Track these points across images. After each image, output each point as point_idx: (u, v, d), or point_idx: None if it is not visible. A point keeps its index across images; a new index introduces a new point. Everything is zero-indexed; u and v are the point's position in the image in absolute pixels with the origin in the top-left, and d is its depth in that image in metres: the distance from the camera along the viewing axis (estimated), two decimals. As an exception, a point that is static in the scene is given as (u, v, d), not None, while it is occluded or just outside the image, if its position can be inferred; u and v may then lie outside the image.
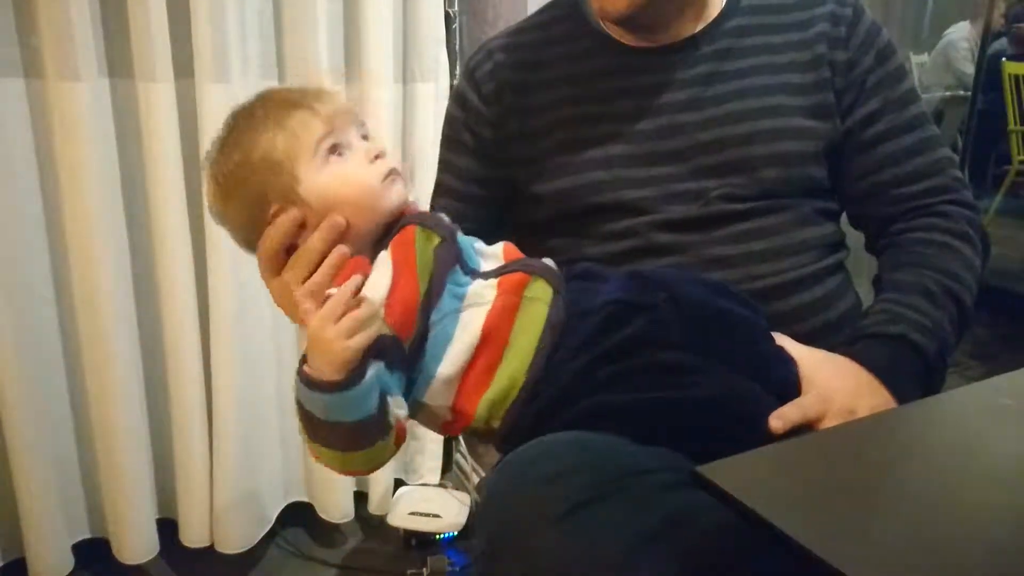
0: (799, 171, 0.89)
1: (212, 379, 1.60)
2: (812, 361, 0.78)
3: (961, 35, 4.71)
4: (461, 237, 0.81)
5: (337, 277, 0.73)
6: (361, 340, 0.67)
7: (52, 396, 1.53)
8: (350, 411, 0.68)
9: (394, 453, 0.74)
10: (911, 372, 0.80)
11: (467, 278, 0.77)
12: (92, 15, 1.39)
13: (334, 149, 0.77)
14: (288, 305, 0.79)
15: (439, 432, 0.81)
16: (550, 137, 0.92)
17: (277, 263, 0.79)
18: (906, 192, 0.91)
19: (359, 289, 0.69)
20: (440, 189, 1.04)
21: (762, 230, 0.87)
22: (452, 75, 1.75)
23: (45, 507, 1.52)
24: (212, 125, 1.47)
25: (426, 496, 1.81)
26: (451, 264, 0.76)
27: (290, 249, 0.78)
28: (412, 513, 1.76)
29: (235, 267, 1.54)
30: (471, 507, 1.77)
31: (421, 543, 1.74)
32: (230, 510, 1.65)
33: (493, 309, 0.75)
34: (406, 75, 1.71)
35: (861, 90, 0.91)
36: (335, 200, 0.76)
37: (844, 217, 0.97)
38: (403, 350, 0.72)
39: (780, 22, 0.93)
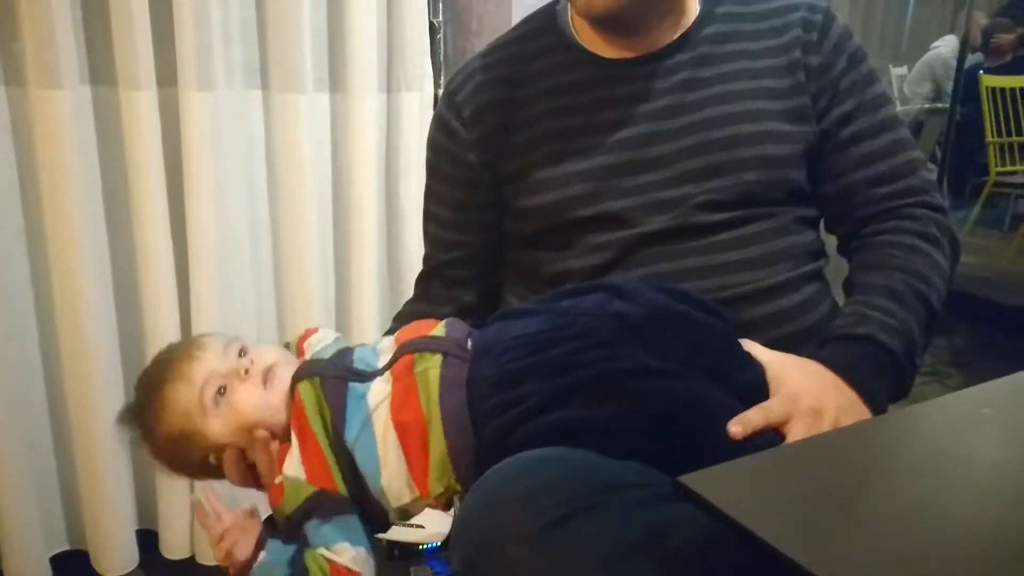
0: (780, 174, 0.90)
1: (194, 389, 1.58)
2: (779, 364, 0.78)
3: (947, 50, 4.77)
4: (357, 350, 0.86)
5: (278, 465, 0.82)
6: (219, 554, 0.80)
7: (31, 406, 1.51)
8: None
9: None
10: (879, 372, 0.80)
11: (364, 386, 0.81)
12: (74, 22, 1.38)
13: (218, 392, 0.84)
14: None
15: (443, 510, 0.85)
16: (534, 152, 0.93)
17: (254, 481, 0.89)
18: (877, 193, 0.92)
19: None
20: (428, 217, 1.04)
21: (740, 240, 0.88)
22: (437, 84, 1.75)
23: (23, 518, 1.49)
24: (195, 133, 1.48)
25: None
26: (343, 388, 0.81)
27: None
28: (395, 523, 1.74)
29: (218, 276, 1.53)
30: (455, 518, 1.76)
31: (404, 553, 1.73)
32: (211, 521, 1.63)
33: (393, 401, 0.79)
34: (390, 84, 1.71)
35: (835, 92, 0.92)
36: (244, 426, 0.84)
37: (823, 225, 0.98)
38: (339, 498, 0.79)
39: (755, 28, 0.94)
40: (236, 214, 1.56)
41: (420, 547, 1.72)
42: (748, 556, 0.44)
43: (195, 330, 1.55)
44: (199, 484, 1.52)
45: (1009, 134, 4.11)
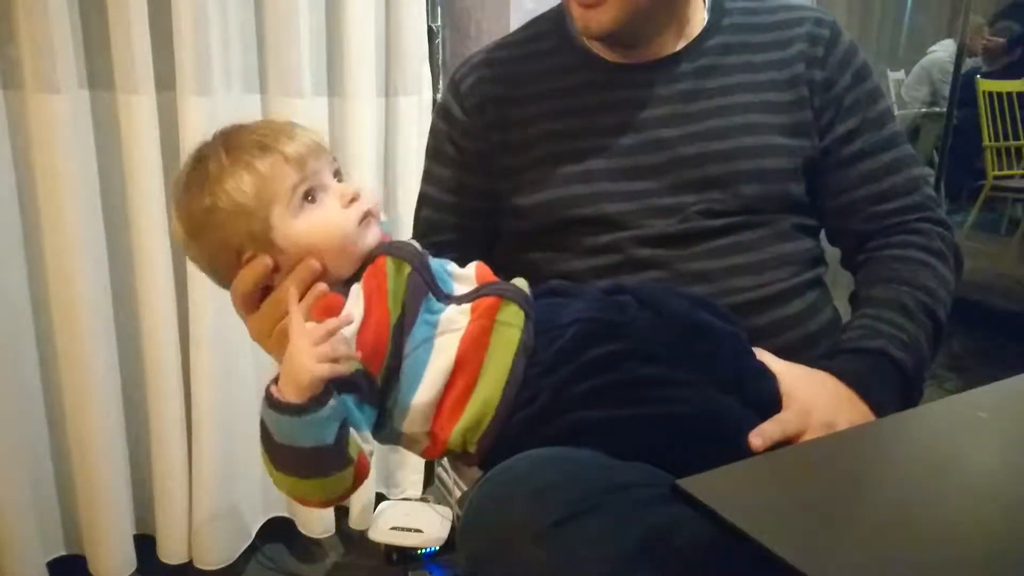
0: (778, 187, 0.90)
1: (191, 393, 1.58)
2: (792, 376, 0.79)
3: (945, 55, 4.78)
4: (434, 261, 0.80)
5: (313, 313, 0.73)
6: (327, 370, 0.67)
7: (28, 410, 1.50)
8: (305, 436, 0.68)
9: (352, 490, 0.73)
10: (890, 386, 0.81)
11: (440, 304, 0.77)
12: (72, 26, 1.39)
13: (307, 194, 0.76)
14: (265, 342, 0.79)
15: (421, 456, 0.81)
16: (532, 150, 0.93)
17: (252, 302, 0.78)
18: (882, 209, 0.93)
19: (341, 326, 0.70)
20: (424, 200, 1.04)
21: (740, 245, 0.88)
22: (435, 89, 1.76)
23: (20, 523, 1.49)
24: (193, 138, 1.46)
25: (407, 511, 1.80)
26: (423, 292, 0.76)
27: (265, 287, 0.78)
28: (393, 528, 1.74)
29: (216, 280, 1.53)
30: (453, 521, 1.76)
31: (402, 558, 1.73)
32: (209, 525, 1.63)
33: (466, 335, 0.75)
34: (389, 89, 1.71)
35: (839, 109, 0.92)
36: (311, 247, 0.75)
37: (823, 233, 0.98)
38: (374, 384, 0.73)
39: (760, 41, 0.94)
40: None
41: (418, 551, 1.72)
42: (747, 559, 0.45)
43: (193, 334, 1.55)
44: (201, 478, 1.50)
45: (1006, 138, 4.12)
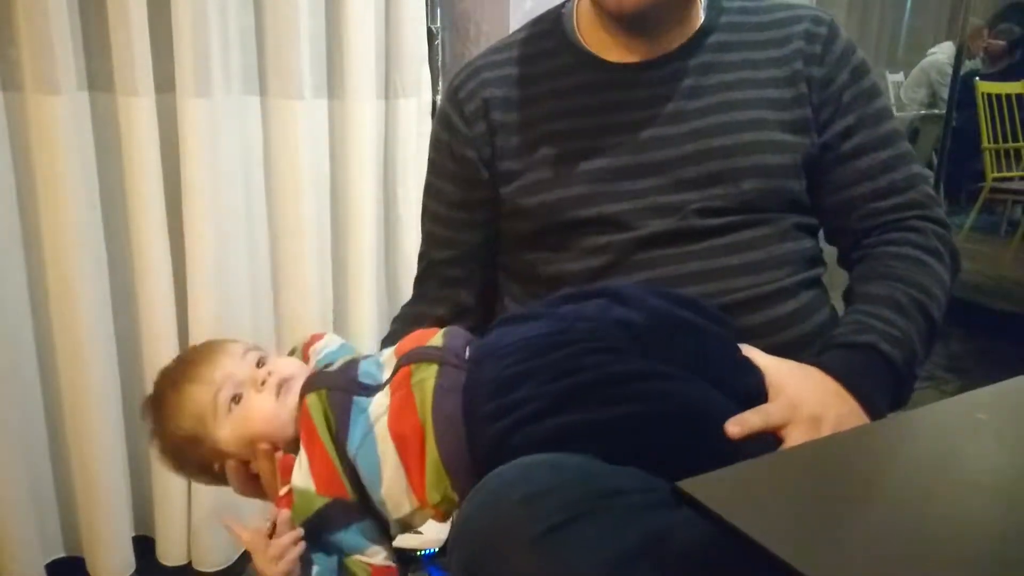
0: (779, 184, 0.90)
1: (191, 395, 1.58)
2: (780, 371, 0.79)
3: (945, 57, 4.78)
4: (363, 362, 0.86)
5: (281, 478, 0.83)
6: (284, 565, 0.77)
7: (27, 411, 1.50)
8: None
9: None
10: (879, 381, 0.81)
11: (368, 399, 0.81)
12: (72, 28, 1.38)
13: (233, 399, 0.86)
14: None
15: (441, 521, 0.85)
16: (534, 152, 0.93)
17: (256, 491, 0.91)
18: (879, 207, 0.93)
19: (273, 524, 0.80)
20: (426, 213, 1.05)
21: (739, 244, 0.88)
22: (435, 91, 1.76)
23: (18, 524, 1.49)
24: (193, 139, 1.48)
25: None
26: (348, 400, 0.81)
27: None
28: (393, 529, 1.74)
29: (215, 283, 1.53)
30: (452, 523, 1.76)
31: (402, 559, 1.72)
32: (208, 527, 1.63)
33: (391, 414, 0.79)
34: (388, 91, 1.71)
35: (837, 106, 0.92)
36: (250, 437, 0.85)
37: (822, 233, 0.98)
38: (352, 504, 0.79)
39: (759, 39, 0.94)
40: (233, 220, 1.56)
41: (418, 553, 1.72)
42: (746, 561, 0.44)
43: (192, 336, 1.55)
44: (218, 501, 1.51)
45: (1005, 140, 4.13)
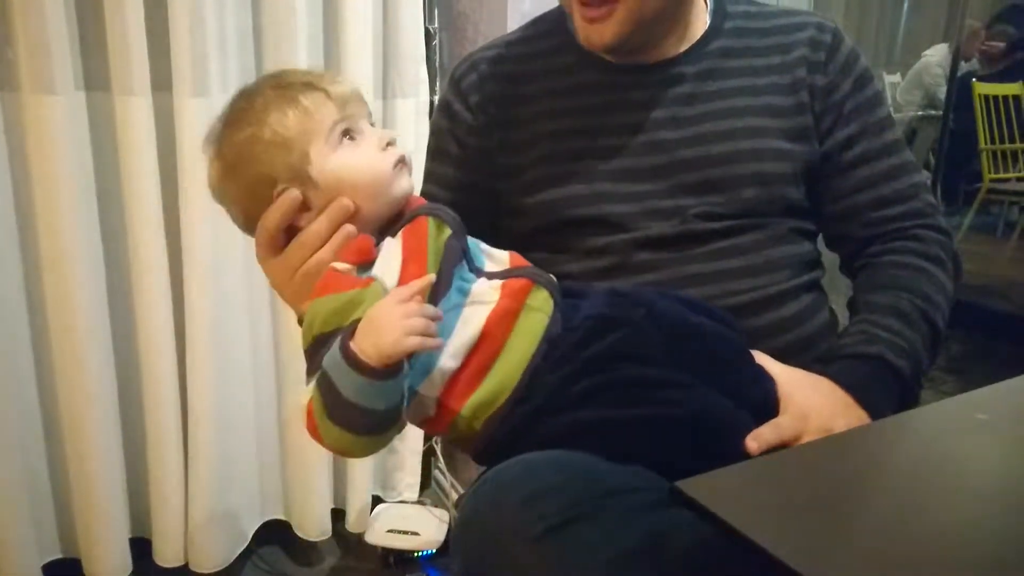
0: (777, 191, 0.90)
1: (188, 395, 1.58)
2: (790, 380, 0.79)
3: (936, 58, 4.80)
4: (468, 237, 0.81)
5: (342, 254, 0.74)
6: (417, 344, 0.66)
7: (24, 413, 1.50)
8: (383, 399, 0.68)
9: (390, 441, 0.74)
10: (887, 392, 0.81)
11: (472, 275, 0.78)
12: (69, 27, 1.38)
13: (347, 133, 0.78)
14: (285, 286, 0.79)
15: (419, 426, 0.80)
16: (533, 150, 0.93)
17: (276, 243, 0.78)
18: (882, 215, 0.93)
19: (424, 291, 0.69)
20: (425, 198, 1.04)
21: (738, 248, 0.88)
22: (432, 91, 1.76)
23: (15, 526, 1.48)
24: (190, 139, 1.47)
25: (404, 513, 1.80)
26: (459, 258, 0.77)
27: (288, 230, 0.78)
28: (390, 531, 1.74)
29: (212, 283, 1.53)
30: (450, 524, 1.76)
31: (399, 561, 1.73)
32: (205, 528, 1.63)
33: (495, 310, 0.75)
34: (386, 91, 1.71)
35: (839, 115, 0.92)
36: (346, 184, 0.76)
37: (820, 237, 0.98)
38: None
39: (762, 45, 0.94)
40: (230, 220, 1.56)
41: (415, 554, 1.72)
42: (745, 561, 0.44)
43: (189, 338, 1.55)
44: (197, 481, 1.50)
45: (1002, 141, 4.14)
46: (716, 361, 0.77)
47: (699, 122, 0.90)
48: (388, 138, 0.80)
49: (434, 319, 0.68)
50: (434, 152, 1.02)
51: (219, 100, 1.48)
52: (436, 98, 1.74)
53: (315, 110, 0.77)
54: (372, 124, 0.82)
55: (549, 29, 0.99)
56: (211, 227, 1.51)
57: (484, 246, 0.83)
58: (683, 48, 0.93)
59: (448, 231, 0.77)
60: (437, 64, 1.78)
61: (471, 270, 0.78)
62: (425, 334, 0.67)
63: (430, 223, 0.77)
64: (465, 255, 0.78)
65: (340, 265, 0.73)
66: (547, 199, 0.91)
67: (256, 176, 0.77)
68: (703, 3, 0.96)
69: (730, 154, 0.89)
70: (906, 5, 5.70)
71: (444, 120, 1.00)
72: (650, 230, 0.88)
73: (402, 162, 0.80)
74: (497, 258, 0.82)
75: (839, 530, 0.47)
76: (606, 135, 0.91)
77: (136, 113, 1.43)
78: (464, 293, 0.76)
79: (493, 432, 0.74)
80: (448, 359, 0.74)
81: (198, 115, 1.46)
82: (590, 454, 0.68)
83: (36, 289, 1.48)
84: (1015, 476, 0.55)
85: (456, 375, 0.74)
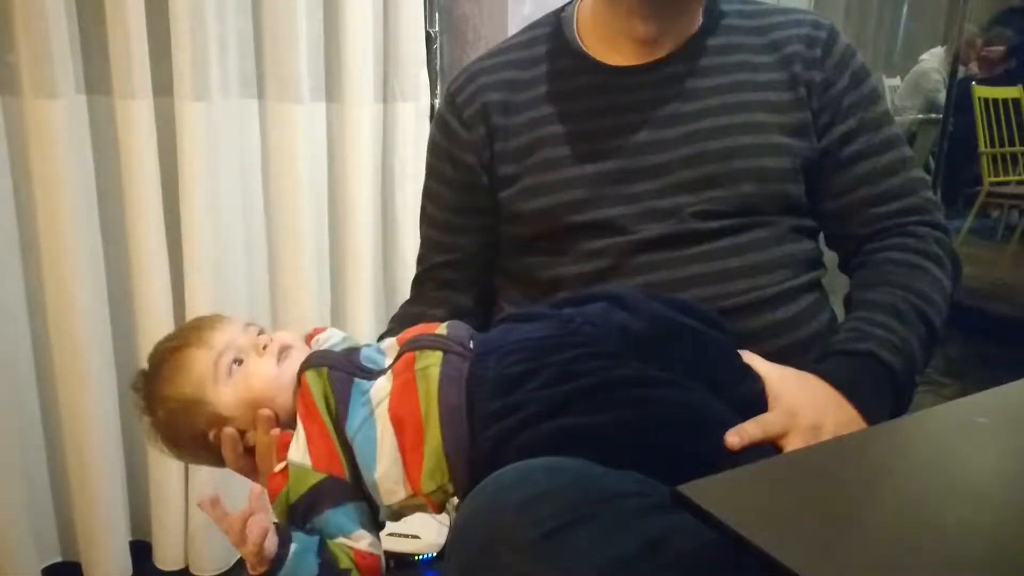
0: (777, 187, 0.90)
1: (188, 398, 1.58)
2: (779, 378, 0.78)
3: (932, 63, 4.80)
4: (365, 349, 0.86)
5: (278, 454, 0.81)
6: (250, 548, 0.73)
7: (24, 416, 1.50)
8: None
9: None
10: (878, 389, 0.80)
11: (369, 382, 0.81)
12: (70, 32, 1.39)
13: (234, 362, 0.85)
14: None
15: (435, 513, 0.84)
16: (532, 156, 0.93)
17: (251, 468, 0.86)
18: (879, 212, 0.92)
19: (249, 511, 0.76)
20: (424, 217, 1.04)
21: (737, 247, 0.88)
22: (433, 94, 1.76)
23: (15, 529, 1.48)
24: (191, 143, 1.48)
25: (405, 518, 1.80)
26: (348, 381, 0.81)
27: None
28: (390, 534, 1.74)
29: (212, 286, 1.53)
30: (450, 528, 1.76)
31: (400, 564, 1.73)
32: (205, 531, 1.63)
33: (392, 395, 0.79)
34: (387, 94, 1.71)
35: (837, 110, 0.92)
36: (251, 401, 0.83)
37: (822, 236, 0.98)
38: (347, 485, 0.78)
39: (759, 42, 0.94)
40: (231, 223, 1.56)
41: (415, 558, 1.72)
42: (744, 565, 0.44)
43: (190, 340, 1.55)
44: (198, 484, 1.51)
45: (1002, 144, 4.14)
46: (700, 359, 0.77)
47: (698, 119, 0.90)
48: (262, 343, 0.86)
49: (256, 526, 0.74)
50: (431, 170, 1.03)
51: (220, 104, 1.49)
52: (437, 101, 1.75)
53: (194, 365, 0.84)
54: (247, 327, 0.88)
55: (545, 34, 0.99)
56: (211, 229, 1.51)
57: (384, 344, 0.86)
58: (678, 45, 0.93)
59: (325, 370, 0.82)
60: (438, 67, 1.78)
61: (371, 378, 0.81)
62: (249, 537, 0.73)
63: (308, 377, 0.82)
64: (354, 372, 0.82)
65: (277, 466, 0.80)
66: (545, 205, 0.91)
67: (190, 437, 0.86)
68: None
69: (729, 150, 0.89)
70: (905, 9, 5.71)
71: (441, 138, 1.00)
72: (648, 232, 0.88)
73: (282, 351, 0.85)
74: (391, 348, 0.85)
75: (840, 534, 0.47)
76: (604, 137, 0.91)
77: (137, 116, 1.44)
78: (366, 403, 0.79)
79: (466, 480, 0.75)
80: (383, 464, 0.78)
81: (199, 119, 1.46)
82: (583, 459, 0.68)
83: (37, 292, 1.48)
84: (1015, 480, 0.55)
85: (404, 466, 0.78)
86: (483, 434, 0.75)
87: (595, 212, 0.90)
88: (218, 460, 0.87)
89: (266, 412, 0.83)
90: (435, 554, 1.72)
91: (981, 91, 4.13)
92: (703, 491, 0.49)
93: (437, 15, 1.77)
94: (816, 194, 0.93)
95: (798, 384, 0.78)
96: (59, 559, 1.61)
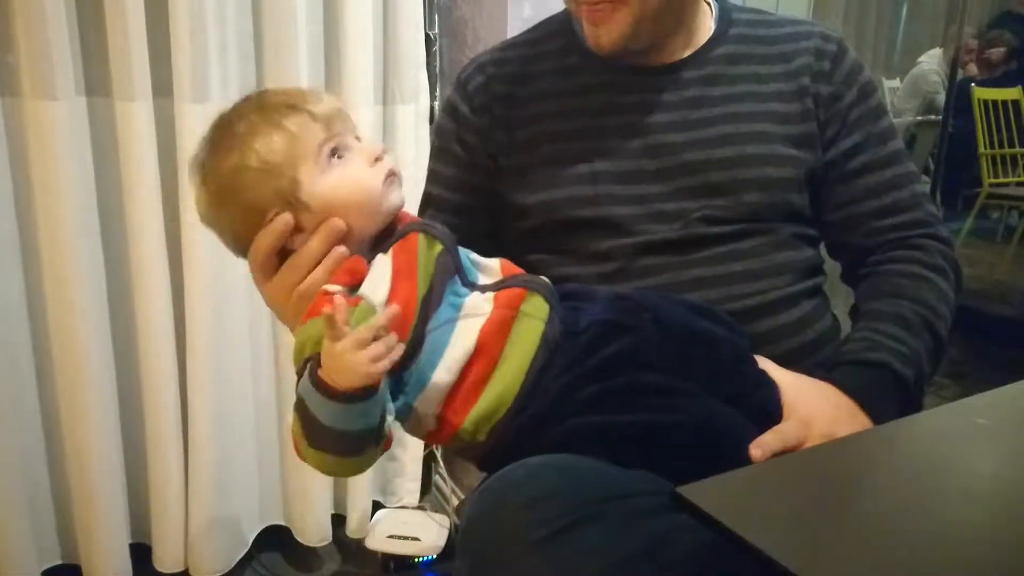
0: (781, 197, 0.90)
1: (188, 400, 1.58)
2: (794, 386, 0.79)
3: (931, 65, 4.81)
4: (460, 249, 0.81)
5: (334, 275, 0.74)
6: (385, 365, 0.66)
7: (24, 418, 1.50)
8: (357, 421, 0.68)
9: (377, 458, 0.74)
10: (890, 399, 0.81)
11: (465, 289, 0.78)
12: (70, 33, 1.39)
13: (334, 152, 0.77)
14: (282, 308, 0.79)
15: (422, 439, 0.80)
16: (537, 150, 0.93)
17: (270, 267, 0.78)
18: (884, 224, 0.93)
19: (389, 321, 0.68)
20: (429, 200, 1.03)
21: (740, 252, 0.88)
22: (433, 97, 1.76)
23: (15, 532, 1.48)
24: (190, 145, 1.47)
25: (405, 519, 1.80)
26: (451, 274, 0.77)
27: (282, 252, 0.78)
28: (391, 536, 1.74)
29: (212, 288, 1.53)
30: (450, 530, 1.76)
31: (400, 567, 1.73)
32: (205, 534, 1.62)
33: (489, 321, 0.75)
34: (386, 96, 1.71)
35: (844, 123, 0.93)
36: (337, 204, 0.76)
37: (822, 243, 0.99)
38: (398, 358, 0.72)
39: (767, 52, 0.95)
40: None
41: (416, 560, 1.72)
42: (746, 566, 0.44)
43: (189, 343, 1.55)
44: (198, 485, 1.50)
45: (1001, 146, 4.14)
46: (719, 366, 0.77)
47: (704, 126, 0.91)
48: (376, 152, 0.79)
49: (392, 349, 0.67)
50: (437, 152, 1.02)
51: (219, 105, 1.49)
52: (436, 104, 1.75)
53: (300, 133, 0.76)
54: (358, 139, 0.81)
55: (555, 31, 1.00)
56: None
57: (475, 258, 0.82)
58: (688, 53, 0.94)
59: (439, 247, 0.77)
60: (437, 70, 1.78)
61: (464, 284, 0.78)
62: (386, 356, 0.66)
63: (420, 239, 0.76)
64: (458, 269, 0.78)
65: (332, 287, 0.72)
66: (549, 199, 0.91)
67: (246, 204, 0.77)
68: (708, 9, 0.97)
69: (734, 158, 0.89)
70: (905, 10, 5.72)
71: (449, 122, 1.00)
72: (653, 234, 0.88)
73: (392, 175, 0.79)
74: (489, 269, 0.81)
75: (840, 535, 0.47)
76: (610, 137, 0.92)
77: (137, 118, 1.44)
78: (457, 307, 0.76)
79: (497, 441, 0.74)
80: (443, 373, 0.74)
81: (198, 120, 1.46)
82: (594, 459, 0.69)
83: (37, 293, 1.48)
84: (1015, 481, 0.55)
85: (454, 389, 0.74)
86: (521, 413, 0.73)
87: (599, 210, 0.90)
88: (243, 244, 0.79)
89: (340, 224, 0.75)
90: (435, 556, 1.72)
91: (980, 93, 4.13)
92: (703, 492, 0.49)
93: (436, 17, 1.77)
94: (820, 205, 0.94)
95: (813, 393, 0.79)
96: (59, 561, 1.61)
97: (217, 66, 1.48)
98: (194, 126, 1.46)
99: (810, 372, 0.82)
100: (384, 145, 0.80)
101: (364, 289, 0.72)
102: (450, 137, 1.00)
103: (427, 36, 1.73)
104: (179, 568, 1.65)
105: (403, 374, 0.74)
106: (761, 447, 0.71)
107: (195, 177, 0.80)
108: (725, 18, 0.96)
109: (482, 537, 0.63)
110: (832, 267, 0.99)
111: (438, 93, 1.77)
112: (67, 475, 1.55)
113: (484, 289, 0.78)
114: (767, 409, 0.76)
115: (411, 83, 1.71)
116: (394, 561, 1.73)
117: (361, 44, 1.60)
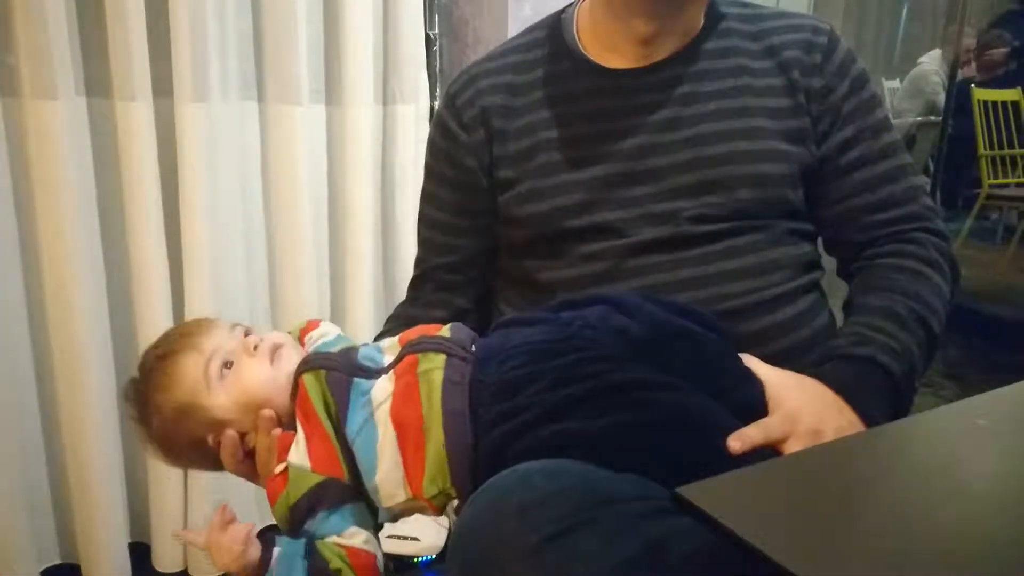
0: (775, 193, 0.90)
1: (188, 400, 1.58)
2: (779, 382, 0.78)
3: (931, 66, 4.81)
4: (363, 348, 0.85)
5: (278, 455, 0.80)
6: (235, 565, 0.74)
7: (23, 417, 1.50)
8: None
9: None
10: (879, 394, 0.80)
11: (370, 382, 0.80)
12: (70, 33, 1.39)
13: (224, 365, 0.83)
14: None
15: (435, 515, 0.84)
16: (530, 160, 0.93)
17: (252, 471, 0.86)
18: (879, 219, 0.92)
19: (225, 520, 0.78)
20: (423, 219, 1.04)
21: (734, 250, 0.88)
22: (432, 96, 1.76)
23: (14, 531, 1.48)
24: (191, 145, 1.48)
25: (404, 519, 1.79)
26: (347, 383, 0.80)
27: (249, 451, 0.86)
28: (390, 536, 1.74)
29: (212, 288, 1.53)
30: (449, 530, 1.75)
31: (399, 566, 1.72)
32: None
33: (394, 398, 0.78)
34: (387, 96, 1.71)
35: (836, 117, 0.92)
36: (247, 403, 0.82)
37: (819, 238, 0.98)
38: (346, 486, 0.78)
39: (758, 47, 0.94)
40: (231, 226, 1.56)
41: (415, 560, 1.72)
42: (746, 568, 0.44)
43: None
44: (197, 485, 1.50)
45: (1001, 147, 4.14)
46: (700, 362, 0.77)
47: (697, 123, 0.90)
48: (252, 343, 0.84)
49: (240, 538, 0.76)
50: (431, 171, 1.03)
51: (219, 105, 1.49)
52: (436, 103, 1.75)
53: (187, 369, 0.83)
54: (241, 329, 0.87)
55: (545, 36, 0.99)
56: (211, 231, 1.51)
57: (384, 343, 0.85)
58: (677, 48, 0.93)
59: (323, 373, 0.81)
60: (437, 70, 1.79)
61: (370, 377, 0.80)
62: (232, 555, 0.75)
63: (306, 381, 0.80)
64: (353, 372, 0.81)
65: (277, 468, 0.79)
66: (542, 210, 0.91)
67: (188, 444, 0.85)
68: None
69: (728, 155, 0.88)
70: (905, 11, 5.72)
71: (440, 139, 1.00)
72: (644, 235, 0.88)
73: (275, 350, 0.84)
74: (391, 347, 0.84)
75: (841, 536, 0.47)
76: (603, 141, 0.91)
77: (137, 118, 1.44)
78: (367, 404, 0.78)
79: (468, 485, 0.75)
80: (384, 468, 0.77)
81: (199, 120, 1.46)
82: (584, 463, 0.68)
83: (37, 293, 1.48)
84: (1015, 482, 0.55)
85: (405, 470, 0.77)
86: (485, 438, 0.74)
87: (592, 216, 0.89)
88: (216, 465, 0.87)
89: (268, 413, 0.82)
90: (434, 556, 1.72)
91: (980, 94, 4.13)
92: (704, 493, 0.49)
93: (437, 17, 1.78)
94: (815, 200, 0.93)
95: (799, 388, 0.78)
96: (58, 561, 1.61)
97: (217, 66, 1.48)
98: (194, 125, 1.46)
99: (806, 370, 0.81)
100: (246, 326, 0.88)
101: (290, 457, 0.78)
102: (441, 157, 0.99)
103: (427, 36, 1.73)
104: (178, 567, 1.65)
105: (363, 491, 0.79)
106: (741, 439, 0.70)
107: (135, 427, 0.87)
108: (713, 13, 0.95)
109: (474, 545, 0.62)
110: (829, 263, 0.98)
111: (438, 93, 1.77)
112: (66, 475, 1.55)
113: (388, 368, 0.81)
114: (751, 405, 0.75)
115: (411, 83, 1.71)
116: (394, 561, 1.73)
117: (361, 44, 1.60)
